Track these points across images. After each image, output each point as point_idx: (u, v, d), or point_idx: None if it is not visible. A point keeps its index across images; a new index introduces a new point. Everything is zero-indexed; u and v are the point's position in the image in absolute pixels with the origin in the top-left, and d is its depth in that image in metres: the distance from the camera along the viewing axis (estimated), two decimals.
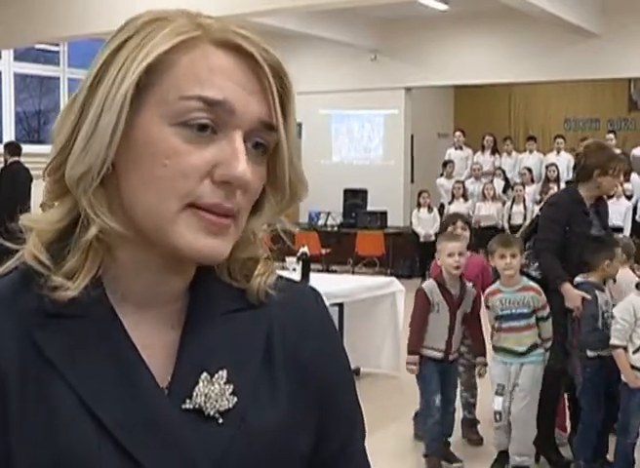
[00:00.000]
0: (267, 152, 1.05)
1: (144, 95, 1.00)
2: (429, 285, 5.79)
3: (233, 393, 1.04)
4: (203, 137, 0.99)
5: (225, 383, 1.04)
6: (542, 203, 6.06)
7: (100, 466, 0.96)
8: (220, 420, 1.03)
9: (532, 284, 5.60)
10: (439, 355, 5.71)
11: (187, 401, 1.02)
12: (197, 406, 1.02)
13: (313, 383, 1.13)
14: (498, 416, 5.57)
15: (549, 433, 5.82)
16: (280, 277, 1.15)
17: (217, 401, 1.03)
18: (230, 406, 1.03)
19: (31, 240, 1.03)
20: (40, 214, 1.07)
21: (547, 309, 5.52)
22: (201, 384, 1.03)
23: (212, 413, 1.02)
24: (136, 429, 0.98)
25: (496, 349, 5.63)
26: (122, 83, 0.98)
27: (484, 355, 5.89)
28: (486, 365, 5.85)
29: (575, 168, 5.88)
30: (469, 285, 5.85)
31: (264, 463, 1.05)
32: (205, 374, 1.03)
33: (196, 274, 1.10)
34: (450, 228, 6.35)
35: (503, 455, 5.72)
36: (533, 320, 5.52)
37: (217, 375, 1.04)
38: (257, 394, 1.06)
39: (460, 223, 6.41)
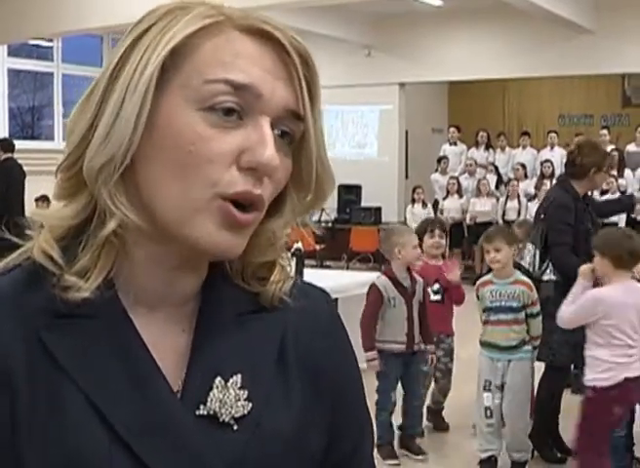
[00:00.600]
0: (293, 142, 1.03)
1: (168, 79, 0.97)
2: (382, 281, 5.82)
3: (248, 399, 1.02)
4: (229, 122, 0.96)
5: (240, 389, 1.02)
6: (544, 202, 5.98)
7: None
8: (235, 427, 1.00)
9: (524, 278, 5.58)
10: (401, 347, 5.73)
11: (202, 406, 1.00)
12: (212, 412, 1.00)
13: (325, 384, 1.11)
14: (488, 412, 5.52)
15: (548, 432, 5.80)
16: (295, 281, 1.13)
17: (232, 407, 1.00)
18: (245, 412, 1.01)
19: (42, 236, 1.00)
20: (52, 210, 1.04)
21: (538, 306, 5.51)
22: (216, 390, 1.01)
23: (227, 420, 1.00)
24: (147, 434, 0.96)
25: (482, 343, 5.61)
26: (146, 67, 0.95)
27: (432, 343, 5.96)
28: (434, 353, 5.95)
29: (567, 165, 5.89)
30: (416, 275, 5.92)
31: (279, 467, 1.03)
32: (219, 379, 1.01)
33: (208, 276, 1.08)
34: (427, 236, 6.38)
35: (486, 464, 5.58)
36: (522, 315, 5.48)
37: (231, 381, 1.02)
38: (270, 398, 1.04)
39: (437, 231, 6.44)
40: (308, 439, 1.08)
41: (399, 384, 5.90)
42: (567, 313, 4.91)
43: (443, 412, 6.62)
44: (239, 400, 1.01)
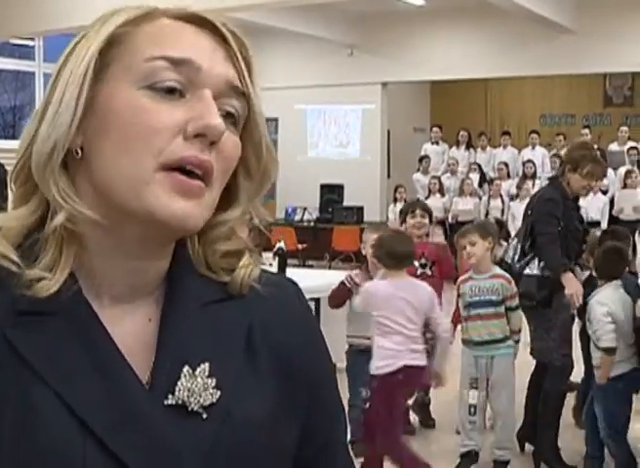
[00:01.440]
0: (238, 124, 1.04)
1: (108, 66, 0.99)
2: (354, 273, 5.88)
3: (217, 387, 1.01)
4: (172, 100, 0.98)
5: (208, 377, 1.01)
6: (533, 198, 5.99)
7: (84, 466, 0.94)
8: (205, 415, 1.00)
9: (502, 272, 5.62)
10: (368, 342, 5.57)
11: (170, 396, 0.99)
12: (180, 401, 0.99)
13: (298, 379, 1.11)
14: (472, 410, 5.54)
15: (554, 440, 5.71)
16: (263, 270, 1.13)
17: (200, 395, 1.00)
18: (214, 400, 1.01)
19: None
20: (6, 213, 1.04)
21: (516, 299, 5.53)
22: (183, 379, 1.00)
23: (195, 408, 1.00)
24: (118, 426, 0.96)
25: (464, 341, 5.64)
26: (84, 58, 0.98)
27: None
28: None
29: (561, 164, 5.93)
30: None
31: (251, 457, 1.03)
32: (187, 368, 1.00)
33: (173, 267, 1.07)
34: (409, 216, 6.37)
35: (467, 459, 5.63)
36: (502, 309, 5.51)
37: (199, 369, 1.01)
38: (240, 387, 1.04)
39: (419, 211, 6.39)
40: (281, 430, 1.07)
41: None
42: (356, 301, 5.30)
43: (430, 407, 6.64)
44: (207, 388, 1.01)
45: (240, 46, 1.04)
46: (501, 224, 10.10)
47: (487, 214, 14.82)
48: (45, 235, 1.00)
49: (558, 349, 5.54)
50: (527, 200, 6.72)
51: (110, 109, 0.97)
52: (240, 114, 1.03)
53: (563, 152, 15.38)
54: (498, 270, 5.64)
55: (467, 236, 5.61)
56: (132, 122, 0.96)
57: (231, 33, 1.03)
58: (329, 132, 18.59)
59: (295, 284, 1.20)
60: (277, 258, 7.58)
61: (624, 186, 14.06)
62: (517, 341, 5.61)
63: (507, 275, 5.60)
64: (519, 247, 5.73)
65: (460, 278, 5.79)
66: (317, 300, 7.54)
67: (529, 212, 5.79)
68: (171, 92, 0.98)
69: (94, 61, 0.98)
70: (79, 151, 0.99)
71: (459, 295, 5.73)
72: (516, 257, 5.72)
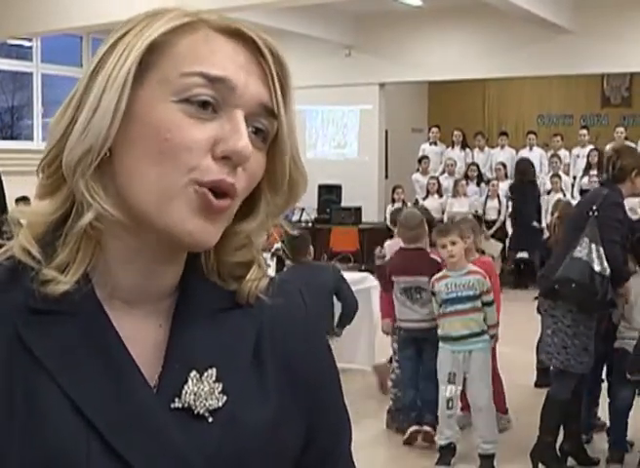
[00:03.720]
0: (267, 140, 1.05)
1: (146, 74, 1.00)
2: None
3: (223, 391, 1.03)
4: (205, 114, 0.99)
5: (215, 382, 1.03)
6: (594, 199, 5.88)
7: (89, 466, 0.95)
8: (210, 419, 1.02)
9: (477, 268, 5.82)
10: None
11: (176, 399, 1.01)
12: (186, 404, 1.01)
13: (302, 384, 1.12)
14: (450, 403, 5.70)
15: (577, 433, 5.80)
16: (272, 279, 1.15)
17: (206, 399, 1.02)
18: (220, 404, 1.02)
19: (22, 233, 1.02)
20: (31, 207, 1.05)
21: (492, 295, 5.69)
22: (190, 383, 1.02)
23: (201, 412, 1.01)
24: (125, 429, 0.97)
25: (442, 338, 5.77)
26: (124, 63, 0.99)
27: None
28: None
29: (606, 170, 5.84)
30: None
31: (255, 461, 1.04)
32: (194, 373, 1.02)
33: (185, 273, 1.09)
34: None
35: (447, 451, 5.80)
36: (479, 303, 5.68)
37: (206, 374, 1.03)
38: (246, 392, 1.05)
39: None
40: (285, 436, 1.09)
41: None
42: None
43: None
44: (213, 392, 1.02)
45: (277, 64, 1.05)
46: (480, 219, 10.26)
47: (483, 214, 14.83)
48: (67, 231, 1.01)
49: (577, 356, 5.51)
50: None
51: (145, 120, 0.99)
52: (270, 131, 1.05)
53: (561, 152, 15.47)
54: (472, 267, 5.82)
55: (449, 235, 5.76)
56: (165, 137, 0.98)
57: (269, 50, 1.04)
58: (327, 132, 18.58)
59: (300, 290, 1.21)
60: (275, 259, 7.59)
61: None
62: (492, 336, 5.78)
63: (482, 271, 5.79)
64: (593, 247, 5.66)
65: (434, 277, 5.89)
66: None
67: (591, 212, 5.64)
68: (204, 105, 0.99)
69: (134, 68, 0.99)
70: (108, 153, 1.00)
71: (433, 294, 5.86)
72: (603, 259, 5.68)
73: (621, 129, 15.65)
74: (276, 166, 1.07)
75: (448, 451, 5.80)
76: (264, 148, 1.05)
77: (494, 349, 6.28)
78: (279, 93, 1.04)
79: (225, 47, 1.02)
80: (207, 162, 0.98)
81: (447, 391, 5.69)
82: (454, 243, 5.71)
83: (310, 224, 16.53)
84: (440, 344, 5.77)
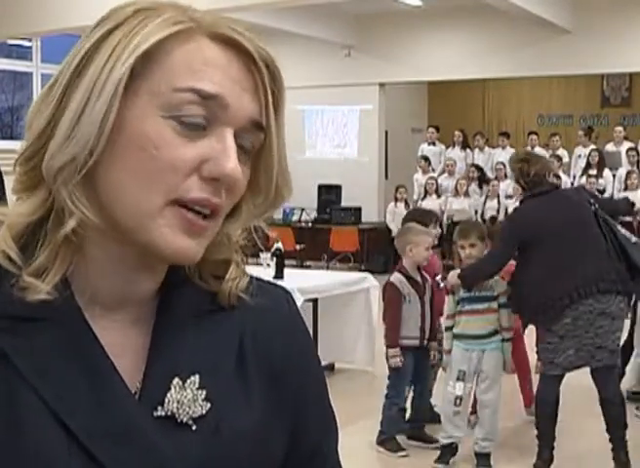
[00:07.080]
0: (251, 153, 1.02)
1: (136, 83, 0.95)
2: (398, 278, 6.02)
3: (206, 399, 1.00)
4: (194, 132, 0.96)
5: (198, 389, 1.00)
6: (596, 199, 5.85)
7: None
8: (194, 427, 0.99)
9: None
10: (416, 342, 5.98)
11: (159, 408, 0.98)
12: (169, 412, 0.98)
13: (285, 386, 1.10)
14: (458, 401, 5.66)
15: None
16: (251, 278, 1.12)
17: (189, 407, 0.99)
18: (204, 412, 1.00)
19: (1, 235, 0.98)
20: (10, 208, 1.01)
21: (506, 297, 5.63)
22: (173, 390, 0.99)
23: (185, 420, 0.99)
24: (106, 437, 0.95)
25: (457, 336, 5.74)
26: (113, 69, 0.94)
27: (436, 340, 6.15)
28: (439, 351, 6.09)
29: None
30: (425, 274, 6.14)
31: (241, 467, 1.02)
32: (177, 380, 1.00)
33: (167, 276, 1.06)
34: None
35: (447, 450, 5.79)
36: (495, 304, 5.66)
37: (189, 381, 1.00)
38: (230, 398, 1.03)
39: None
40: (270, 439, 1.07)
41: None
42: None
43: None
44: (197, 400, 1.00)
45: (271, 78, 1.02)
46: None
47: (482, 214, 14.84)
48: (47, 234, 0.99)
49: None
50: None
51: (133, 133, 0.95)
52: (255, 146, 1.02)
53: (559, 152, 15.46)
54: None
55: (470, 238, 5.75)
56: (152, 154, 0.95)
57: (265, 63, 1.01)
58: (327, 132, 18.59)
59: (284, 290, 1.19)
60: (275, 259, 7.59)
61: (625, 188, 14.05)
62: (508, 340, 5.69)
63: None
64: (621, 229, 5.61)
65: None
66: (315, 301, 7.55)
67: (593, 208, 5.56)
68: (195, 126, 0.96)
69: (126, 78, 0.94)
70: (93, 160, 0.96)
71: (450, 293, 5.83)
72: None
73: (620, 128, 15.69)
74: (260, 173, 1.05)
75: (448, 451, 5.78)
76: (249, 162, 1.02)
77: (522, 342, 6.49)
78: (270, 106, 1.01)
79: (219, 57, 0.98)
80: (191, 181, 0.96)
81: (456, 388, 5.67)
82: (473, 245, 5.73)
83: (310, 224, 16.55)
84: (455, 342, 5.75)
